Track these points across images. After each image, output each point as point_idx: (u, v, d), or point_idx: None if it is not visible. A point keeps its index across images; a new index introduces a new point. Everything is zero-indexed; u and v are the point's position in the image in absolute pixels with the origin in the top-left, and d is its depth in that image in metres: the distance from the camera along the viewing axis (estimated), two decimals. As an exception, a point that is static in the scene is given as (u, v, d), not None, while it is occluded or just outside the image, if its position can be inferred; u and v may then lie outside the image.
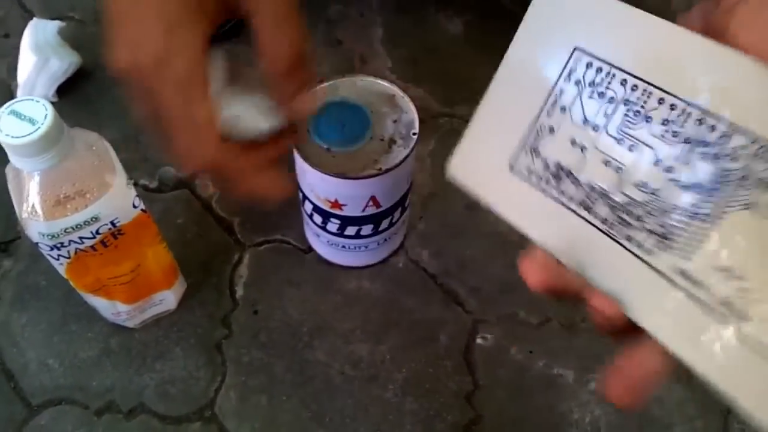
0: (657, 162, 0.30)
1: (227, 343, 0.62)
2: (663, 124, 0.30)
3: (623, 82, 0.31)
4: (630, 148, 0.31)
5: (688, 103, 0.29)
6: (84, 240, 0.48)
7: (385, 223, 0.59)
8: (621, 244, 0.32)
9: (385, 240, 0.62)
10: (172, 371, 0.60)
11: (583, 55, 0.32)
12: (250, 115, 0.40)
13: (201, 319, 0.63)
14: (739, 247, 0.28)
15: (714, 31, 0.29)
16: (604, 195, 0.32)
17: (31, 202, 0.45)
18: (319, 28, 0.82)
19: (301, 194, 0.58)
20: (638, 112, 0.31)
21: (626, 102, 0.31)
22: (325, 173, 0.51)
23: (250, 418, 0.58)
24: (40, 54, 0.73)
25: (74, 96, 0.75)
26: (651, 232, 0.31)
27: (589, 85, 0.32)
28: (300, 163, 0.53)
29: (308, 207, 0.58)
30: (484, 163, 0.36)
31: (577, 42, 0.33)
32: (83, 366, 0.60)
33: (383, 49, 0.80)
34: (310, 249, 0.67)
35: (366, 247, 0.61)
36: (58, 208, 0.45)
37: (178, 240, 0.66)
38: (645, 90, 0.31)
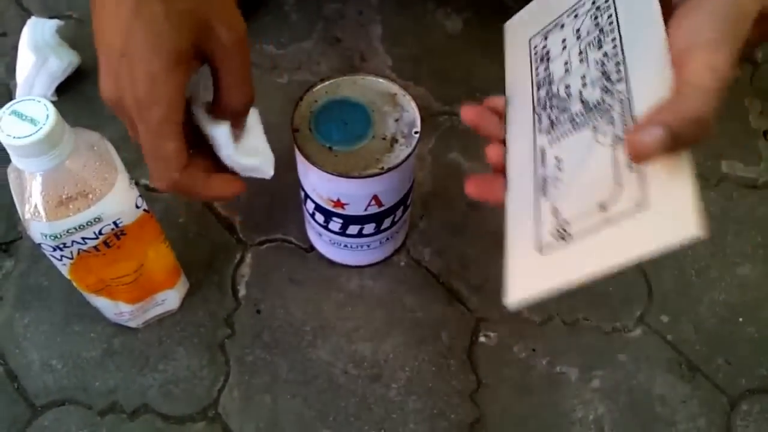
0: (583, 76, 0.41)
1: (230, 342, 0.61)
2: (603, 56, 0.41)
3: (609, 17, 0.42)
4: (581, 60, 0.42)
5: (624, 56, 0.39)
6: (87, 240, 0.48)
7: (387, 222, 0.58)
8: (534, 116, 0.44)
9: (387, 239, 0.62)
10: (176, 371, 0.60)
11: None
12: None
13: (204, 319, 0.63)
14: (571, 147, 0.40)
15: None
16: (550, 81, 0.44)
17: (33, 202, 0.45)
18: (317, 27, 0.82)
19: (302, 193, 0.58)
20: (600, 42, 0.41)
21: (601, 30, 0.42)
22: (327, 172, 0.51)
23: (254, 417, 0.58)
24: (39, 53, 0.72)
25: (74, 95, 0.75)
26: (548, 118, 0.43)
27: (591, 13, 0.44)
28: (302, 163, 0.53)
29: (310, 206, 0.58)
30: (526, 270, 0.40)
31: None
32: (86, 366, 0.60)
33: (382, 47, 0.80)
34: (312, 248, 0.66)
35: (368, 246, 0.61)
36: (60, 208, 0.45)
37: (179, 239, 0.66)
38: (613, 32, 0.41)
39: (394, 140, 0.53)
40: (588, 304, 0.64)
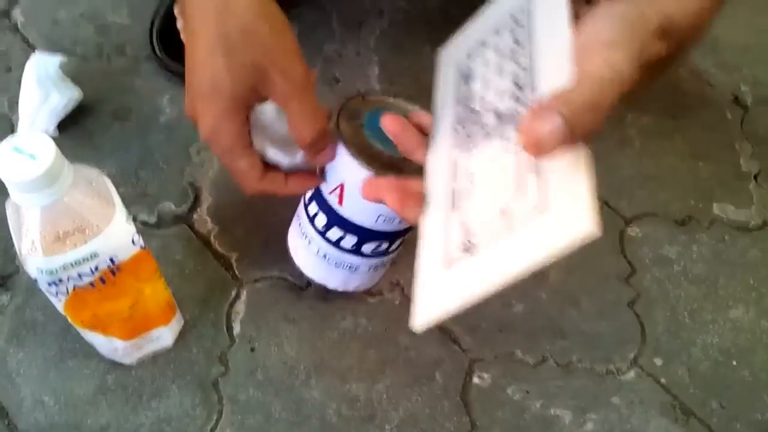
0: (498, 88, 0.42)
1: (224, 380, 0.61)
2: (517, 67, 0.41)
3: (525, 29, 0.42)
4: (498, 74, 0.43)
5: (532, 63, 0.40)
6: (82, 276, 0.48)
7: (396, 243, 0.57)
8: (452, 133, 0.44)
9: (383, 264, 0.60)
10: (168, 409, 0.60)
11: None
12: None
13: (198, 356, 0.62)
14: (482, 158, 0.40)
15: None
16: (469, 97, 0.45)
17: (30, 237, 0.45)
18: (317, 66, 0.83)
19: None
20: (515, 54, 0.42)
21: (517, 42, 0.43)
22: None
23: (246, 456, 0.58)
24: (42, 88, 0.73)
25: (75, 130, 0.75)
26: (465, 133, 0.43)
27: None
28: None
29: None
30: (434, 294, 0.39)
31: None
32: (79, 403, 0.60)
33: (380, 87, 0.81)
34: (308, 285, 0.67)
35: (357, 268, 0.58)
36: (57, 244, 0.45)
37: (176, 276, 0.66)
38: (527, 43, 0.41)
39: None
40: (581, 346, 0.64)
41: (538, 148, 0.34)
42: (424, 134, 0.47)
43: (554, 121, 0.33)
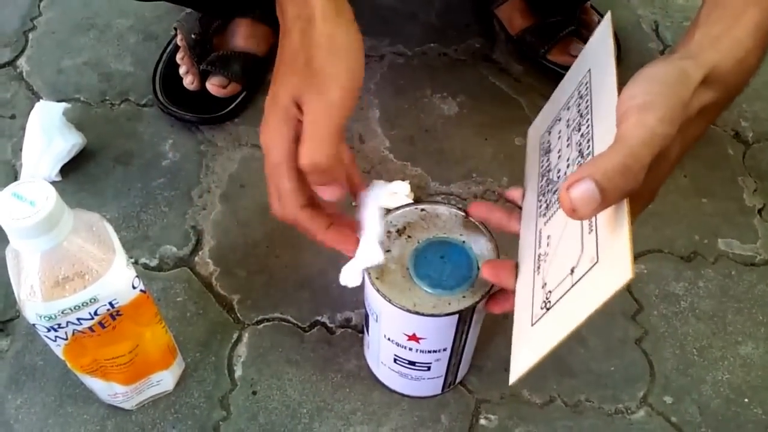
0: (568, 158, 0.45)
1: (225, 425, 0.60)
2: (581, 137, 0.44)
3: (587, 101, 0.46)
4: (568, 145, 0.46)
5: (592, 131, 0.43)
6: (82, 321, 0.48)
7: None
8: (537, 203, 0.48)
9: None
10: (168, 455, 0.58)
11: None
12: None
13: (199, 400, 0.62)
14: (556, 223, 0.43)
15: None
16: (549, 169, 0.48)
17: (29, 283, 0.45)
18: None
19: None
20: (579, 125, 0.45)
21: (581, 114, 0.46)
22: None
23: (247, 504, 0.56)
24: (46, 135, 0.74)
25: (77, 175, 0.76)
26: (546, 202, 0.46)
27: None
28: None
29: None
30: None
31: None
32: (77, 450, 0.59)
33: (381, 129, 0.82)
34: (310, 327, 0.66)
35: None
36: (56, 289, 0.45)
37: (177, 318, 0.66)
38: (588, 113, 0.45)
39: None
40: (589, 385, 0.63)
41: (574, 212, 0.36)
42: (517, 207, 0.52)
43: (586, 187, 0.35)
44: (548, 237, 0.44)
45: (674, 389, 0.63)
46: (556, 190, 0.45)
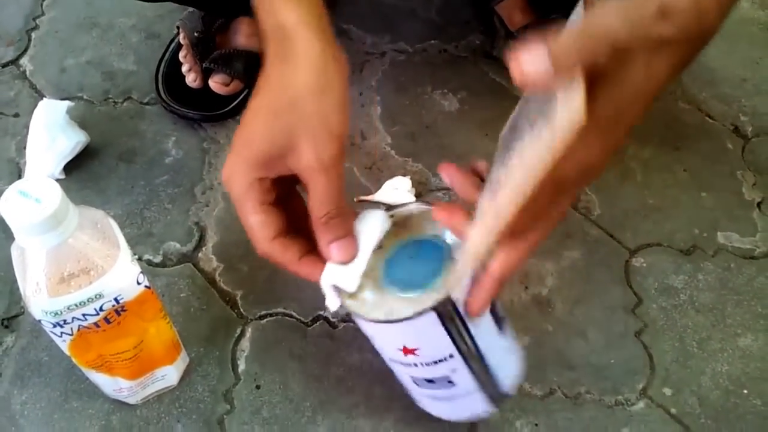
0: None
1: (229, 418, 0.61)
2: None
3: None
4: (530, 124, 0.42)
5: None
6: (87, 317, 0.49)
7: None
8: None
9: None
10: (173, 449, 0.59)
11: None
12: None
13: (203, 395, 0.62)
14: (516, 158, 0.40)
15: None
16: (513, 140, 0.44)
17: (35, 279, 0.46)
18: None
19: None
20: None
21: None
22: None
23: (252, 497, 0.57)
24: (49, 133, 0.74)
25: (81, 173, 0.77)
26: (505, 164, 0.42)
27: None
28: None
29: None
30: None
31: None
32: (83, 444, 0.59)
33: (382, 125, 0.82)
34: (313, 321, 0.67)
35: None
36: (62, 285, 0.46)
37: (181, 314, 0.66)
38: None
39: None
40: (590, 377, 0.64)
41: (523, 76, 0.35)
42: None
43: (537, 51, 0.35)
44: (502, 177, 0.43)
45: (674, 381, 0.64)
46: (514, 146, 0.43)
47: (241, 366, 0.64)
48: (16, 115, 0.83)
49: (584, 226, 0.74)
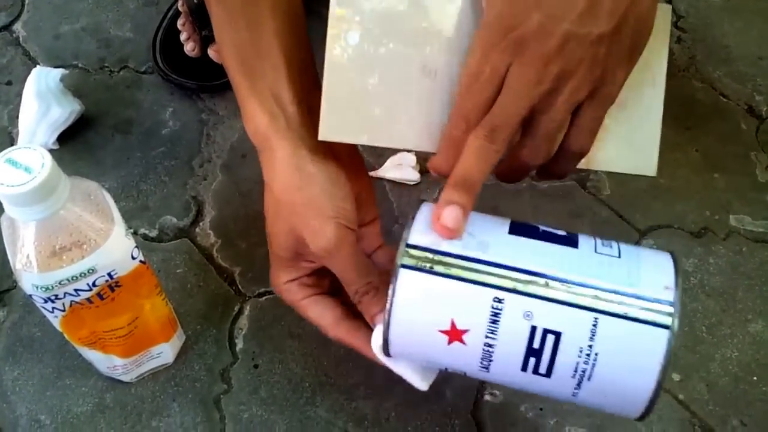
0: None
1: (226, 398, 0.59)
2: None
3: None
4: None
5: None
6: (80, 292, 0.47)
7: None
8: None
9: None
10: (169, 428, 0.58)
11: None
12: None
13: (199, 373, 0.61)
14: None
15: None
16: None
17: (25, 252, 0.44)
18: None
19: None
20: None
21: None
22: None
23: (249, 478, 0.56)
24: (42, 101, 0.72)
25: (75, 144, 0.74)
26: None
27: None
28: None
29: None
30: None
31: None
32: (76, 422, 0.58)
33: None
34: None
35: None
36: (53, 259, 0.44)
37: (177, 290, 0.65)
38: None
39: None
40: (596, 362, 0.62)
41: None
42: None
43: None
44: None
45: (682, 366, 0.63)
46: None
47: (239, 345, 0.62)
48: (9, 83, 0.80)
49: (593, 206, 0.72)
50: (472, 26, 0.42)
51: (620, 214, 0.72)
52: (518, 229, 0.42)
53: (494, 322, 0.39)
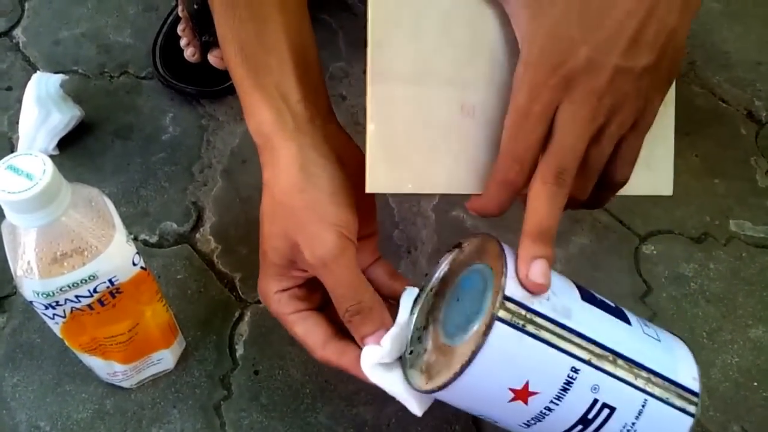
0: None
1: (227, 404, 0.59)
2: None
3: None
4: None
5: None
6: (80, 299, 0.47)
7: None
8: None
9: None
10: (169, 435, 0.58)
11: None
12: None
13: (200, 380, 0.60)
14: None
15: None
16: None
17: (26, 259, 0.44)
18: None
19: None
20: None
21: None
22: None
23: (249, 485, 0.56)
24: (42, 107, 0.72)
25: (75, 149, 0.74)
26: None
27: None
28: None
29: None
30: None
31: None
32: (76, 429, 0.58)
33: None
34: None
35: None
36: (54, 265, 0.44)
37: (178, 296, 0.64)
38: None
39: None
40: (597, 367, 0.62)
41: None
42: None
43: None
44: None
45: (683, 372, 0.63)
46: None
47: (239, 351, 0.62)
48: (9, 89, 0.80)
49: (593, 212, 0.72)
50: (505, 59, 0.41)
51: (620, 219, 0.72)
52: (586, 295, 0.42)
53: (565, 390, 0.39)
